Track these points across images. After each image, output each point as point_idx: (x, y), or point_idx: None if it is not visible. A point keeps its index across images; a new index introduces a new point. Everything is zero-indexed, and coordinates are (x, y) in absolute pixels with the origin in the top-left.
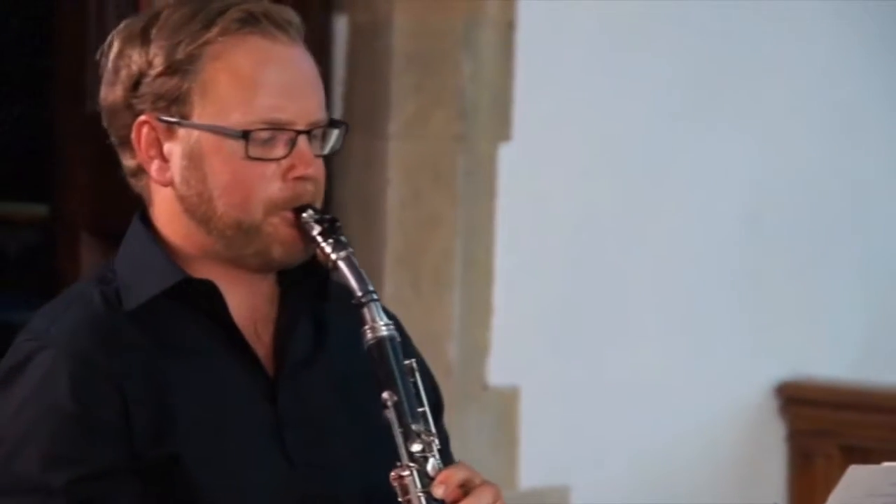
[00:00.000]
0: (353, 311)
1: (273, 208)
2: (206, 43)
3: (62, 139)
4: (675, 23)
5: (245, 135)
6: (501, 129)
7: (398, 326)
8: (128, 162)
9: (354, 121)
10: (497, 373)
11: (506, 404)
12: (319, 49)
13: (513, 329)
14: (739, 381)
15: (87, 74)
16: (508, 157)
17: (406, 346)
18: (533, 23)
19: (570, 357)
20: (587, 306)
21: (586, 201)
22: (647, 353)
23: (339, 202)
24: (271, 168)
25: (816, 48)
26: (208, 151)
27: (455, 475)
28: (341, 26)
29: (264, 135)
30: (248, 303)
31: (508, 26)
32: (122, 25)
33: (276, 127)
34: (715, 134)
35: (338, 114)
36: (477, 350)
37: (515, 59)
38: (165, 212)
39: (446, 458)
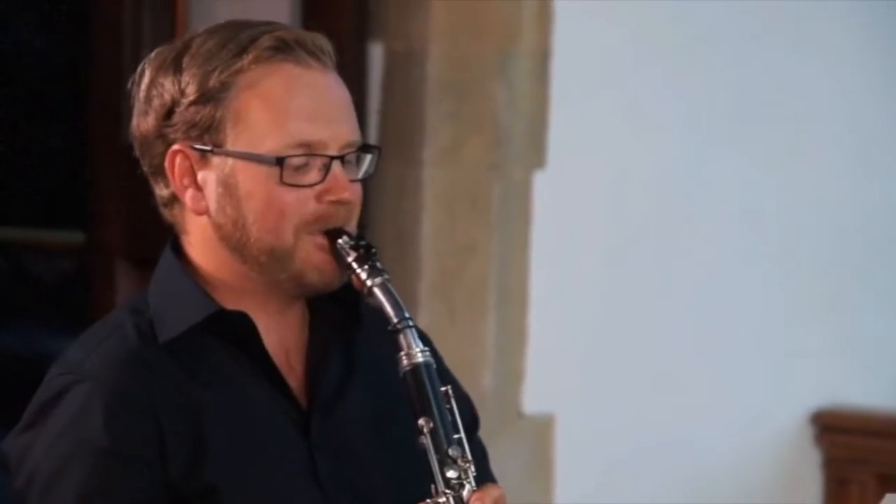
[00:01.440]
0: (380, 335)
1: (305, 228)
2: (239, 71)
3: (98, 167)
4: (709, 52)
5: (279, 161)
6: (536, 156)
7: (431, 348)
8: (161, 191)
9: (389, 148)
10: (532, 400)
11: (541, 432)
12: (355, 77)
13: (548, 356)
14: (775, 409)
15: (122, 103)
16: (543, 184)
17: (439, 366)
18: (568, 52)
19: (604, 384)
20: (622, 333)
21: (621, 228)
22: (681, 380)
23: (373, 229)
24: (305, 194)
25: (840, 77)
26: (242, 178)
27: (489, 495)
28: (377, 54)
29: (298, 161)
30: (280, 332)
31: (543, 55)
32: (153, 54)
33: (309, 152)
34: (751, 160)
35: (373, 141)
36: (512, 377)
37: (550, 88)
38: (199, 240)
39: (484, 474)
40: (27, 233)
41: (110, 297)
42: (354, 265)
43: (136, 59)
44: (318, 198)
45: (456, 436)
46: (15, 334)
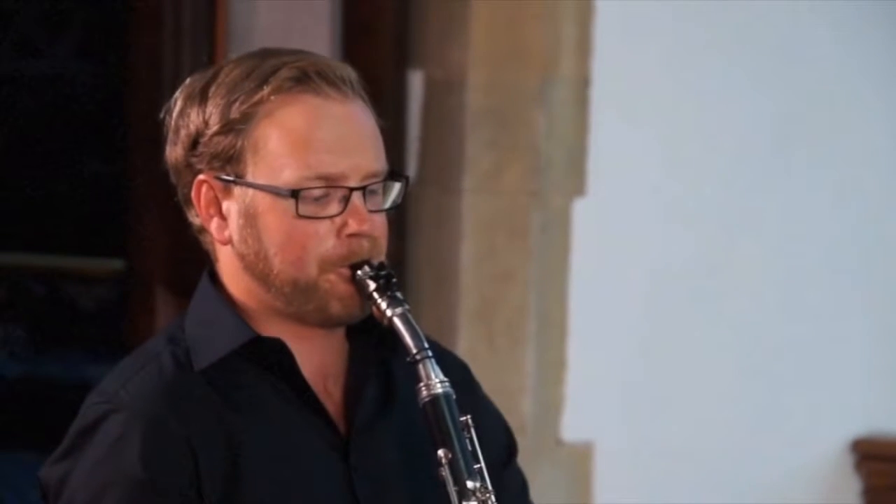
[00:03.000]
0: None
1: (328, 265)
2: (259, 102)
3: (137, 195)
4: (751, 79)
5: (294, 193)
6: (576, 184)
7: (466, 371)
8: (193, 219)
9: (429, 176)
10: (571, 429)
11: (579, 460)
12: (394, 105)
13: (587, 385)
14: (815, 437)
15: (161, 131)
16: (583, 212)
17: (473, 388)
18: (607, 79)
19: (644, 413)
20: (662, 362)
21: (661, 256)
22: (721, 408)
23: (413, 257)
24: (325, 225)
25: (886, 102)
26: (262, 210)
27: None
28: (416, 82)
29: (317, 192)
30: (317, 359)
31: (583, 82)
32: (186, 83)
33: (329, 184)
34: (791, 187)
35: (412, 169)
36: (551, 406)
37: (590, 115)
38: (228, 269)
39: None
40: (67, 260)
41: (150, 324)
42: (375, 295)
43: (176, 88)
44: (339, 232)
45: (476, 466)
46: (54, 361)
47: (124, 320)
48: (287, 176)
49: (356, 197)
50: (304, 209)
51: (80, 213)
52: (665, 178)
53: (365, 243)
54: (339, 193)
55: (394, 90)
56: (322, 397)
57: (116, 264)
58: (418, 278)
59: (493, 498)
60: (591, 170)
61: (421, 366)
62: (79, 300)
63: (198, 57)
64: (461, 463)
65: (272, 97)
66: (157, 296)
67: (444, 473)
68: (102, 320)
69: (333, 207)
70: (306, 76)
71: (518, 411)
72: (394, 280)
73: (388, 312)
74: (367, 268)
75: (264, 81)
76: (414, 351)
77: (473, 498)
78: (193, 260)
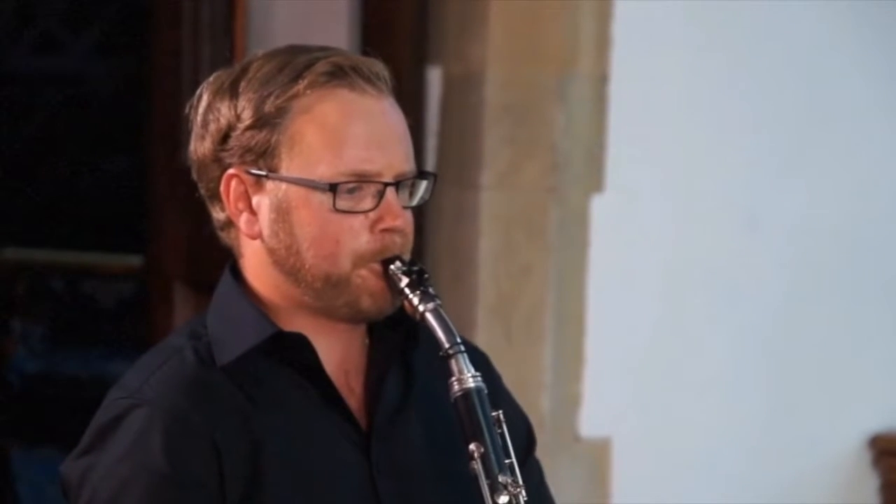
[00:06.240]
0: (438, 358)
1: (361, 261)
2: (294, 96)
3: (157, 191)
4: (769, 74)
5: (332, 187)
6: (593, 180)
7: (486, 362)
8: (217, 215)
9: (447, 172)
10: (589, 424)
11: (597, 455)
12: (413, 101)
13: (605, 380)
14: (832, 433)
15: (181, 128)
16: (601, 208)
17: (497, 386)
18: (626, 76)
19: (662, 408)
20: (679, 357)
21: (678, 252)
22: (738, 404)
23: (431, 253)
24: (359, 220)
25: None
26: (296, 204)
27: None
28: (435, 78)
29: (351, 187)
30: (339, 354)
31: (601, 79)
32: (211, 78)
33: (364, 179)
34: (809, 183)
35: (430, 165)
36: (569, 401)
37: (608, 112)
38: (255, 264)
39: (541, 496)
40: (86, 257)
41: (169, 320)
42: (407, 290)
43: (195, 85)
44: (372, 227)
45: (507, 461)
46: (73, 357)
47: (143, 316)
48: (323, 170)
49: (390, 192)
50: (341, 203)
51: (100, 210)
52: (683, 174)
53: (397, 239)
54: (373, 188)
55: (412, 86)
56: (344, 392)
57: (136, 260)
58: (436, 274)
59: (523, 492)
60: (609, 166)
61: (453, 360)
62: (98, 296)
63: (217, 54)
64: (493, 457)
65: (307, 91)
66: (176, 292)
67: (475, 467)
68: (121, 316)
69: (367, 202)
70: (341, 70)
71: (536, 407)
72: (426, 275)
73: (421, 307)
74: (399, 263)
75: (299, 76)
76: (447, 345)
77: (505, 492)
78: (213, 256)
